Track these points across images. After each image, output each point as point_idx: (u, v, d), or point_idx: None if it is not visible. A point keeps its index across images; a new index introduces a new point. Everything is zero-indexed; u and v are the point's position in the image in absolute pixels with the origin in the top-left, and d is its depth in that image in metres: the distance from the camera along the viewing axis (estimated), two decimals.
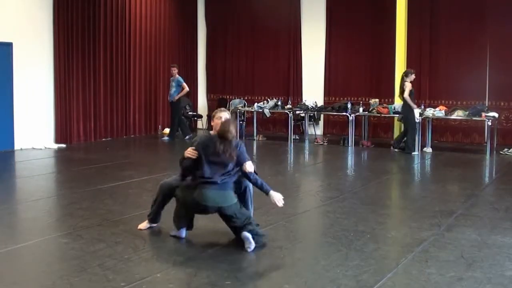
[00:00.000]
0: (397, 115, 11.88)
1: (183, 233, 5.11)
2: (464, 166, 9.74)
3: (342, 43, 14.04)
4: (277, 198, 4.98)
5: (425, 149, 11.28)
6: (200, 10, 15.74)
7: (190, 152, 4.95)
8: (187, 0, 15.36)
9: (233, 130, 4.90)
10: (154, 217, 5.42)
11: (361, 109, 12.31)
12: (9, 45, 10.75)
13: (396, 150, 11.26)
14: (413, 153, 10.86)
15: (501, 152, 11.13)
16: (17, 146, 11.00)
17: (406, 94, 10.84)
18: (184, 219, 5.08)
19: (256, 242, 4.84)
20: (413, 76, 11.01)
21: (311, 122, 14.02)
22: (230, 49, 15.42)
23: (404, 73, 11.18)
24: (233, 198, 4.94)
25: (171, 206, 5.26)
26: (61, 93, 11.76)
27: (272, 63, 14.83)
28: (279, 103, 13.37)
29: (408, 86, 10.87)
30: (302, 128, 13.97)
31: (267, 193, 5.00)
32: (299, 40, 14.51)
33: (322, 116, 14.11)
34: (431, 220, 5.90)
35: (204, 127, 15.51)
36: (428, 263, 4.53)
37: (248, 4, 15.10)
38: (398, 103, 12.11)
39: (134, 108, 13.70)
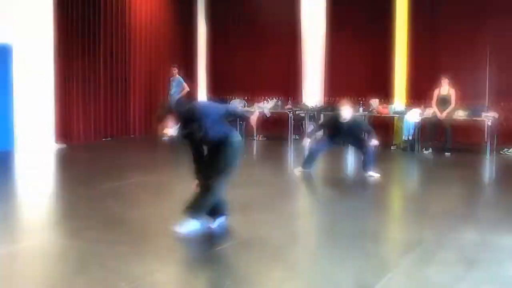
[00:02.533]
0: (397, 115, 11.87)
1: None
2: (464, 166, 9.74)
3: (342, 43, 14.01)
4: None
5: (425, 149, 11.27)
6: (200, 10, 15.72)
7: None
8: (188, 0, 15.37)
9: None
10: None
11: (361, 109, 12.30)
12: (9, 46, 10.75)
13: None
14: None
15: (501, 152, 11.12)
16: (17, 146, 11.00)
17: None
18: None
19: None
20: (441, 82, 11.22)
21: (312, 122, 13.99)
22: (230, 49, 15.40)
23: None
24: None
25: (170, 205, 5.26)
26: (61, 93, 11.74)
27: (272, 63, 14.81)
28: (279, 103, 13.36)
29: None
30: (302, 128, 13.96)
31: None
32: (299, 40, 14.50)
33: (322, 116, 14.08)
34: (431, 220, 5.90)
35: None
36: (428, 263, 4.53)
37: (248, 5, 15.09)
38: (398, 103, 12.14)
39: (134, 108, 13.70)
